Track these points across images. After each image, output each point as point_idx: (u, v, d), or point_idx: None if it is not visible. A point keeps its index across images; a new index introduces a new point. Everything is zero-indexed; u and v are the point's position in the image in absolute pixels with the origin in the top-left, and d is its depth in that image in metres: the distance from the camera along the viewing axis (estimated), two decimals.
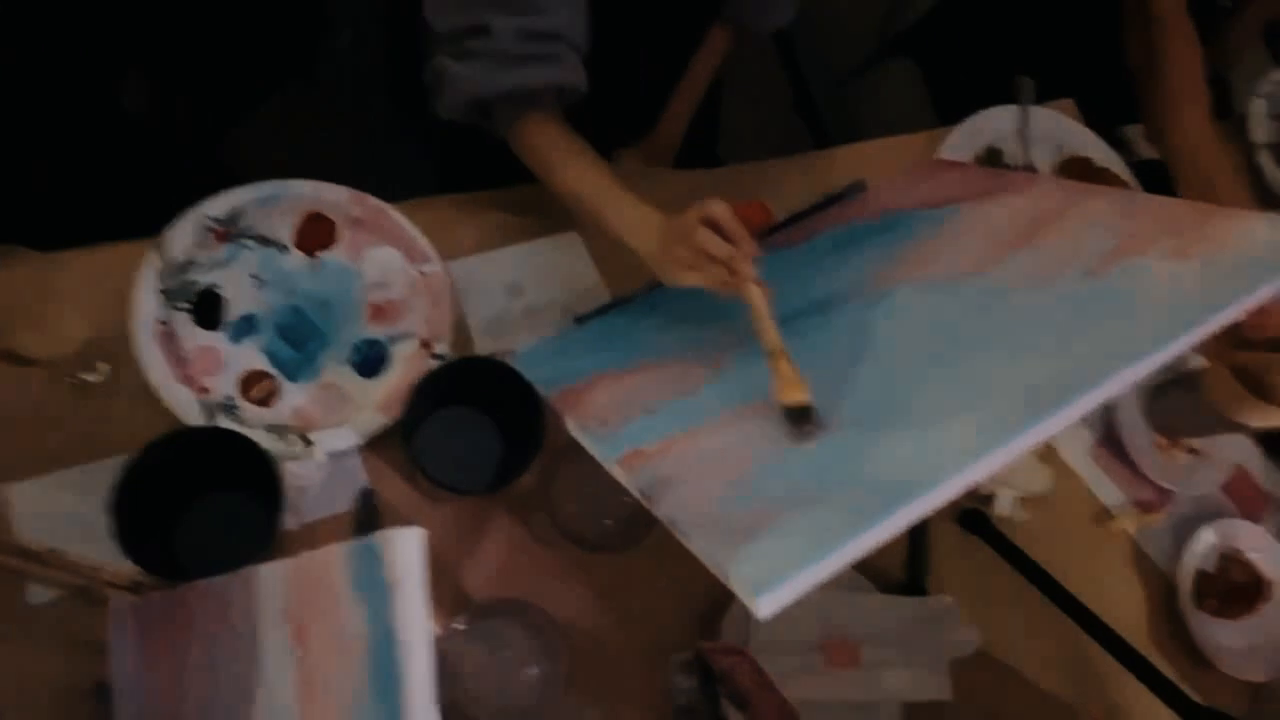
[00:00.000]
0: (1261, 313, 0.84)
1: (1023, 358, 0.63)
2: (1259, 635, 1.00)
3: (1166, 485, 1.01)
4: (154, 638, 0.63)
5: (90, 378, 0.80)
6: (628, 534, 0.78)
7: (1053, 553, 0.95)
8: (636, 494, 0.62)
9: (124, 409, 0.80)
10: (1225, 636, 0.99)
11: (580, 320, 0.89)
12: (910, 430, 0.58)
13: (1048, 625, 0.94)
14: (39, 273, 0.83)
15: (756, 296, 0.70)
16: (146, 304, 0.80)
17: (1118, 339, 0.61)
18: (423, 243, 0.90)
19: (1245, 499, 1.06)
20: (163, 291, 0.82)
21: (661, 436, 0.66)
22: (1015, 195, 0.85)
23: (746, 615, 0.85)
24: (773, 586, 0.50)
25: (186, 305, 0.83)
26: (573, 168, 0.82)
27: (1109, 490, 1.02)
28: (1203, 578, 1.00)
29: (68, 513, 0.76)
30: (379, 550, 0.44)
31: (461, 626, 0.70)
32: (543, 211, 0.97)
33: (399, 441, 0.78)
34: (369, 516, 0.73)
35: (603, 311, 0.89)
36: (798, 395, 0.63)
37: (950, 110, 1.14)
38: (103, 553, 0.75)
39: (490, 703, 0.70)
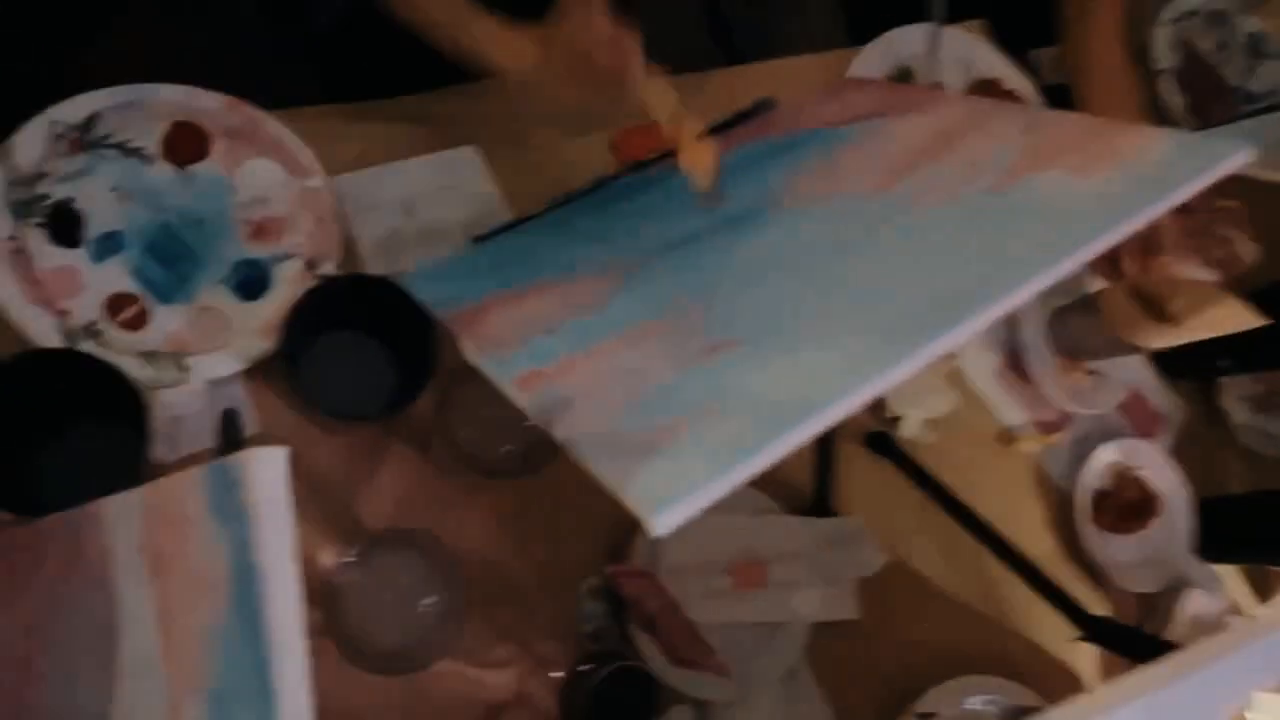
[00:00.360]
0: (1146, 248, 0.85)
1: (924, 273, 0.61)
2: (1149, 549, 1.04)
3: (1067, 407, 1.03)
4: (1, 579, 0.58)
5: None
6: (529, 459, 0.75)
7: (957, 474, 0.97)
8: (534, 416, 0.59)
9: None
10: (1119, 551, 1.02)
11: (478, 240, 0.85)
12: (809, 348, 0.57)
13: (953, 545, 0.95)
14: None
15: (653, 85, 0.70)
16: None
17: (1019, 253, 0.60)
18: (305, 155, 0.83)
19: (1140, 419, 1.09)
20: (10, 205, 0.74)
21: (561, 356, 0.63)
22: (921, 112, 0.83)
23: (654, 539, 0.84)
24: (669, 504, 0.48)
25: (39, 220, 0.75)
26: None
27: (1012, 412, 1.04)
28: (1099, 496, 1.03)
29: None
30: (237, 472, 0.40)
31: (352, 559, 0.66)
32: (437, 123, 0.91)
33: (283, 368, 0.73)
34: (233, 439, 0.68)
35: (502, 231, 0.85)
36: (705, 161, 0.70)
37: (864, 30, 1.11)
38: None
39: (389, 637, 0.67)
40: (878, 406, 0.97)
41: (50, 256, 0.75)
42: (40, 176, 0.76)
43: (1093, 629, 0.86)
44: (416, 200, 0.88)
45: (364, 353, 0.78)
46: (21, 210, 0.75)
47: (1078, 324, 1.03)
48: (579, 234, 0.80)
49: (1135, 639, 0.90)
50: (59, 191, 0.76)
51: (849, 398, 0.52)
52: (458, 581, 0.68)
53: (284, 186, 0.83)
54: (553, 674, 0.80)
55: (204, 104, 0.81)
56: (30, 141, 0.75)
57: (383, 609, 0.68)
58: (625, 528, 0.85)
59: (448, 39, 0.77)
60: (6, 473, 0.63)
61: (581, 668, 0.73)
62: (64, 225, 0.76)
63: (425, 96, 0.90)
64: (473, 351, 0.68)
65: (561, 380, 0.60)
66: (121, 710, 0.48)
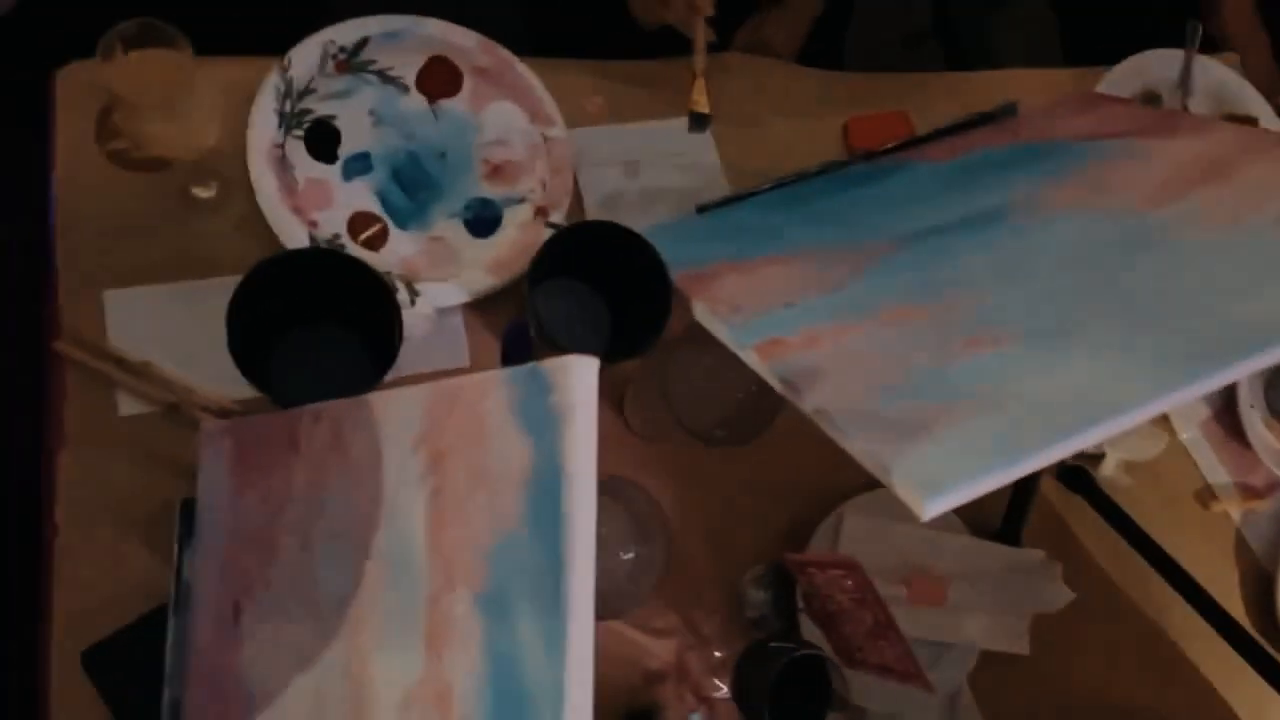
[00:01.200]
0: None
1: (1213, 297, 0.57)
2: None
3: (1278, 472, 0.96)
4: (251, 463, 0.61)
5: (201, 193, 0.77)
6: (737, 429, 0.74)
7: (1148, 524, 0.91)
8: (776, 383, 0.58)
9: (230, 230, 0.76)
10: None
11: (703, 210, 0.85)
12: (1090, 354, 0.54)
13: (1137, 593, 0.90)
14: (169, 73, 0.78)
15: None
16: (264, 124, 0.77)
17: None
18: (549, 104, 0.85)
19: None
20: (280, 114, 0.77)
21: (802, 328, 0.62)
22: (1188, 137, 0.79)
23: (835, 533, 0.82)
24: (942, 490, 0.46)
25: (301, 133, 0.79)
26: None
27: (1215, 468, 0.97)
28: None
29: (162, 328, 0.74)
30: (547, 378, 0.40)
31: None
32: (673, 91, 0.91)
33: (501, 307, 0.75)
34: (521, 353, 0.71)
35: (728, 203, 0.84)
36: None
37: (1080, 52, 1.08)
38: (195, 376, 0.73)
39: None
40: None
41: (308, 168, 0.78)
42: (308, 92, 0.79)
43: None
44: (641, 163, 0.88)
45: (586, 299, 0.78)
46: (289, 121, 0.78)
47: None
48: (813, 214, 0.78)
49: None
50: (322, 109, 0.80)
51: (1135, 411, 0.49)
52: (662, 542, 0.68)
53: (525, 132, 0.84)
54: (716, 653, 0.79)
55: (461, 41, 0.84)
56: (306, 58, 0.79)
57: None
58: (807, 515, 0.83)
59: None
60: (264, 362, 0.66)
61: (757, 651, 0.71)
62: (323, 140, 0.79)
63: (667, 62, 0.91)
64: (704, 314, 0.68)
65: (807, 352, 0.59)
66: (366, 596, 0.49)
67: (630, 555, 0.70)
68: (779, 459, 0.84)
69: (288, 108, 0.78)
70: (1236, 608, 0.95)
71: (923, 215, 0.72)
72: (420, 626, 0.45)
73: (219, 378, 0.70)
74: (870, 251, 0.70)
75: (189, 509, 0.67)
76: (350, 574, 0.50)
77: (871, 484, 0.85)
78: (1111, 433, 0.49)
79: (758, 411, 0.72)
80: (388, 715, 0.46)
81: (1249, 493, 0.98)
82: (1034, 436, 0.48)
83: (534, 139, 0.84)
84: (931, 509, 0.46)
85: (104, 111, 0.76)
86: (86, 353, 0.72)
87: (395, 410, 0.49)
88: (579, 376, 0.40)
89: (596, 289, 0.80)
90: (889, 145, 0.87)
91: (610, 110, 0.88)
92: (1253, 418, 0.96)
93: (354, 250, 0.78)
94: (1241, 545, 0.97)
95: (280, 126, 0.77)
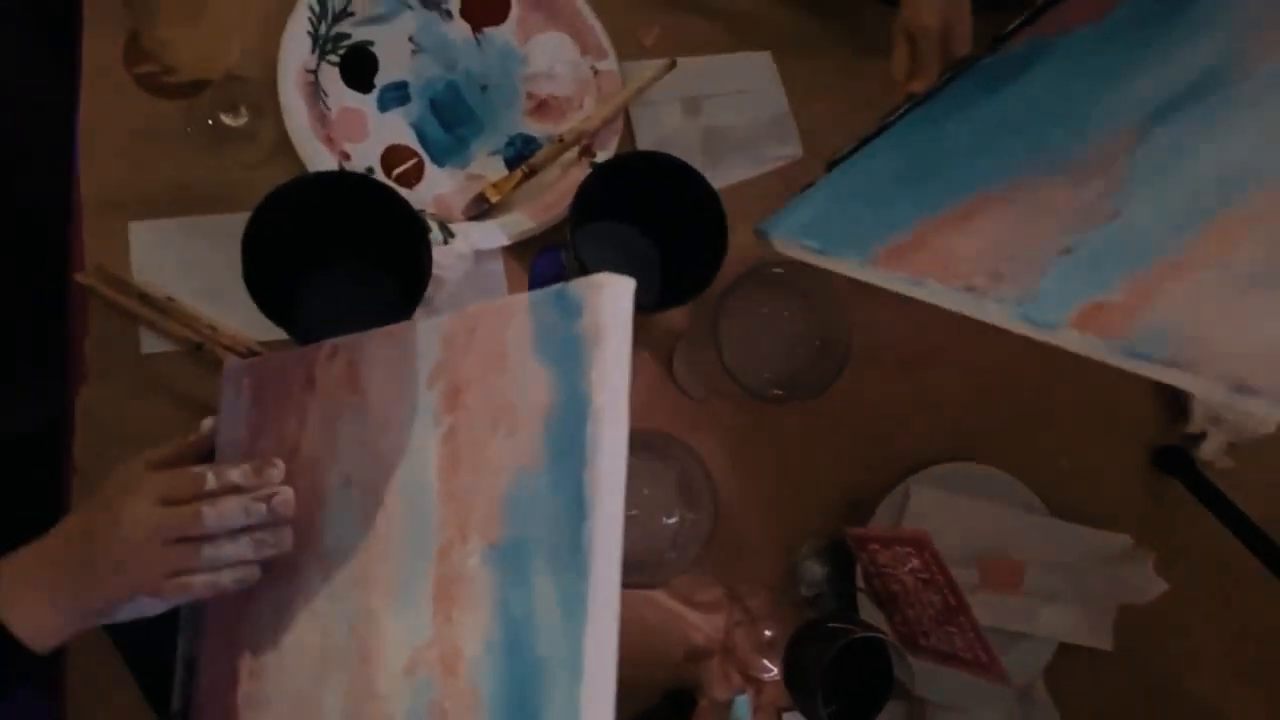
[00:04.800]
0: None
1: None
2: None
3: None
4: (268, 401, 0.56)
5: (230, 121, 0.72)
6: (795, 388, 0.68)
7: (1251, 511, 0.82)
8: (1141, 365, 0.42)
9: (259, 161, 0.72)
10: None
11: (834, 165, 0.71)
12: None
13: (1239, 589, 0.81)
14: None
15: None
16: (296, 48, 0.72)
17: None
18: (601, 35, 0.78)
19: None
20: (313, 37, 0.73)
21: (1119, 281, 0.45)
22: None
23: (900, 508, 0.75)
24: None
25: (336, 59, 0.74)
26: None
27: None
28: None
29: (187, 262, 0.70)
30: (577, 300, 0.34)
31: None
32: (735, 24, 0.84)
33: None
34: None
35: (859, 149, 0.70)
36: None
37: None
38: (221, 315, 0.69)
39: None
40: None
41: (341, 96, 0.74)
42: (345, 14, 0.74)
43: None
44: (703, 100, 0.81)
45: (635, 244, 0.72)
46: (324, 46, 0.73)
47: None
48: (984, 133, 0.64)
49: None
50: (359, 33, 0.75)
51: None
52: (710, 508, 0.62)
53: (574, 66, 0.78)
54: (767, 631, 0.73)
55: None
56: None
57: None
58: (867, 488, 0.76)
59: None
60: (283, 297, 0.62)
61: (811, 631, 0.65)
62: (359, 67, 0.74)
63: None
64: (941, 292, 0.52)
65: (1149, 308, 0.43)
66: (378, 551, 0.44)
67: (674, 520, 0.64)
68: (840, 424, 0.78)
69: (322, 30, 0.73)
70: None
71: (1128, 92, 0.57)
72: (429, 583, 0.39)
73: (245, 317, 0.66)
74: (1109, 155, 0.54)
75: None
76: (361, 526, 0.45)
77: (941, 455, 0.78)
78: None
79: (820, 368, 0.65)
80: (391, 681, 0.41)
81: None
82: None
83: (583, 72, 0.78)
84: None
85: (132, 34, 0.72)
86: (110, 287, 0.68)
87: (413, 342, 0.44)
88: (612, 296, 0.34)
89: (644, 232, 0.73)
90: (1015, 24, 0.71)
91: (669, 42, 0.81)
92: None
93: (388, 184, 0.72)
94: None
95: (314, 51, 0.72)
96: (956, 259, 0.52)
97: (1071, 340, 0.44)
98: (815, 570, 0.76)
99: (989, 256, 0.51)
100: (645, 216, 0.72)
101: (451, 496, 0.39)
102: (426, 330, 0.43)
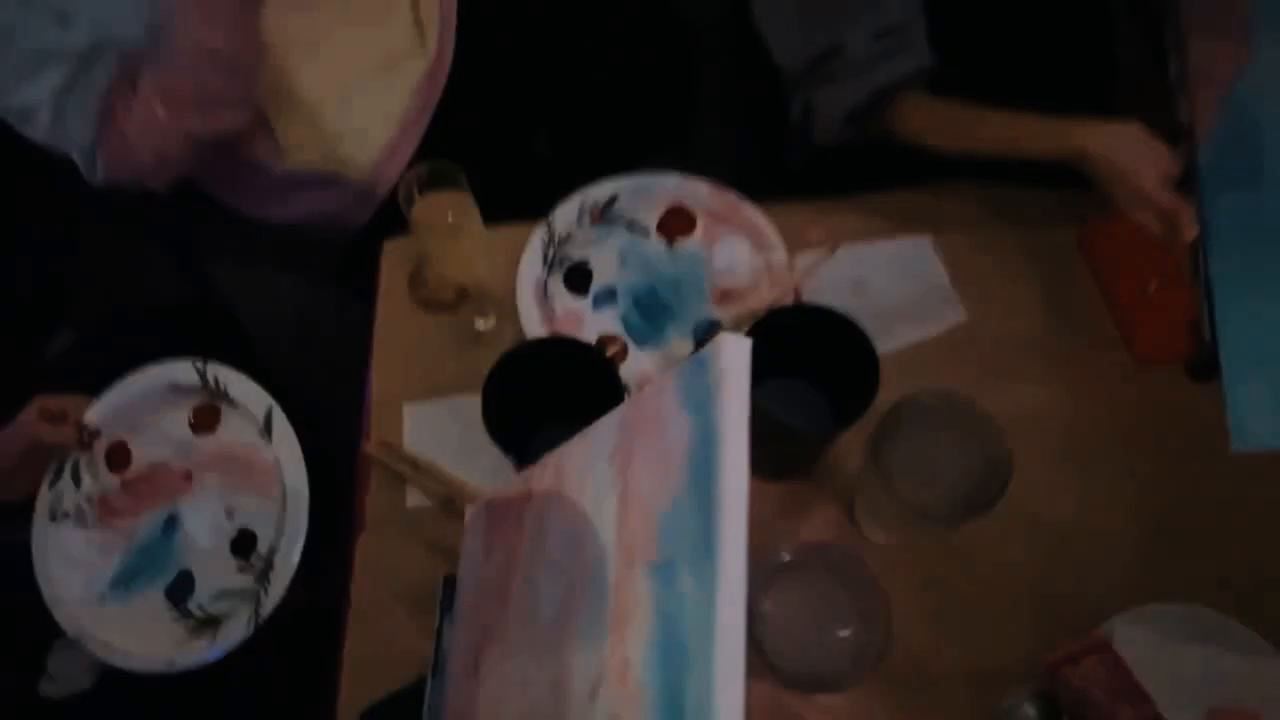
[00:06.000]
0: None
1: None
2: None
3: None
4: (497, 524, 0.69)
5: (481, 326, 0.93)
6: (971, 504, 0.71)
7: None
8: None
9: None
10: None
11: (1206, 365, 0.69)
12: None
13: None
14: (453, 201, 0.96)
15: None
16: (532, 268, 0.92)
17: None
18: (771, 233, 0.93)
19: None
20: (544, 258, 0.93)
21: None
22: None
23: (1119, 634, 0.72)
24: None
25: (561, 273, 0.94)
26: (979, 121, 0.86)
27: None
28: None
29: (447, 435, 0.88)
30: (707, 358, 0.45)
31: (786, 557, 0.67)
32: (894, 217, 0.96)
33: None
34: None
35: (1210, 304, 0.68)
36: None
37: None
38: (470, 475, 0.85)
39: (794, 653, 0.66)
40: None
41: (564, 300, 0.92)
42: (568, 239, 0.95)
43: None
44: (867, 279, 0.93)
45: (802, 392, 0.81)
46: (552, 264, 0.93)
47: None
48: None
49: None
50: (577, 254, 0.95)
51: None
52: (877, 618, 0.65)
53: (750, 260, 0.93)
54: None
55: (695, 190, 0.96)
56: (567, 213, 0.95)
57: (798, 624, 0.67)
58: (1069, 619, 0.74)
59: (1010, 150, 0.85)
60: (516, 445, 0.76)
61: None
62: (578, 278, 0.94)
63: (886, 194, 0.97)
64: None
65: None
66: (572, 608, 0.53)
67: (848, 634, 0.67)
68: (1031, 563, 0.78)
69: (550, 253, 0.93)
70: None
71: None
72: (609, 613, 0.48)
73: (490, 477, 0.82)
74: None
75: (450, 584, 0.77)
76: (560, 593, 0.55)
77: (1144, 595, 0.75)
78: None
79: (987, 485, 0.69)
80: (581, 711, 0.48)
81: None
82: None
83: (758, 265, 0.93)
84: None
85: (414, 271, 0.96)
86: (387, 454, 0.87)
87: (601, 433, 0.55)
88: (732, 349, 0.44)
89: (811, 383, 0.82)
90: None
91: (831, 235, 0.95)
92: None
93: None
94: None
95: (544, 268, 0.93)
96: None
97: None
98: (1026, 712, 0.73)
99: None
100: (809, 367, 0.81)
101: (622, 539, 0.48)
102: (609, 421, 0.55)
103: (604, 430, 0.55)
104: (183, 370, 0.92)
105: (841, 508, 0.83)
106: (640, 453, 0.50)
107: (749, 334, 0.75)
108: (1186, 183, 0.76)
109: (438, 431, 0.88)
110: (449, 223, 0.78)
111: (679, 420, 0.46)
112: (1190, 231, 0.73)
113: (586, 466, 0.56)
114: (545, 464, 0.63)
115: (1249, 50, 0.68)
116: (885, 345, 0.79)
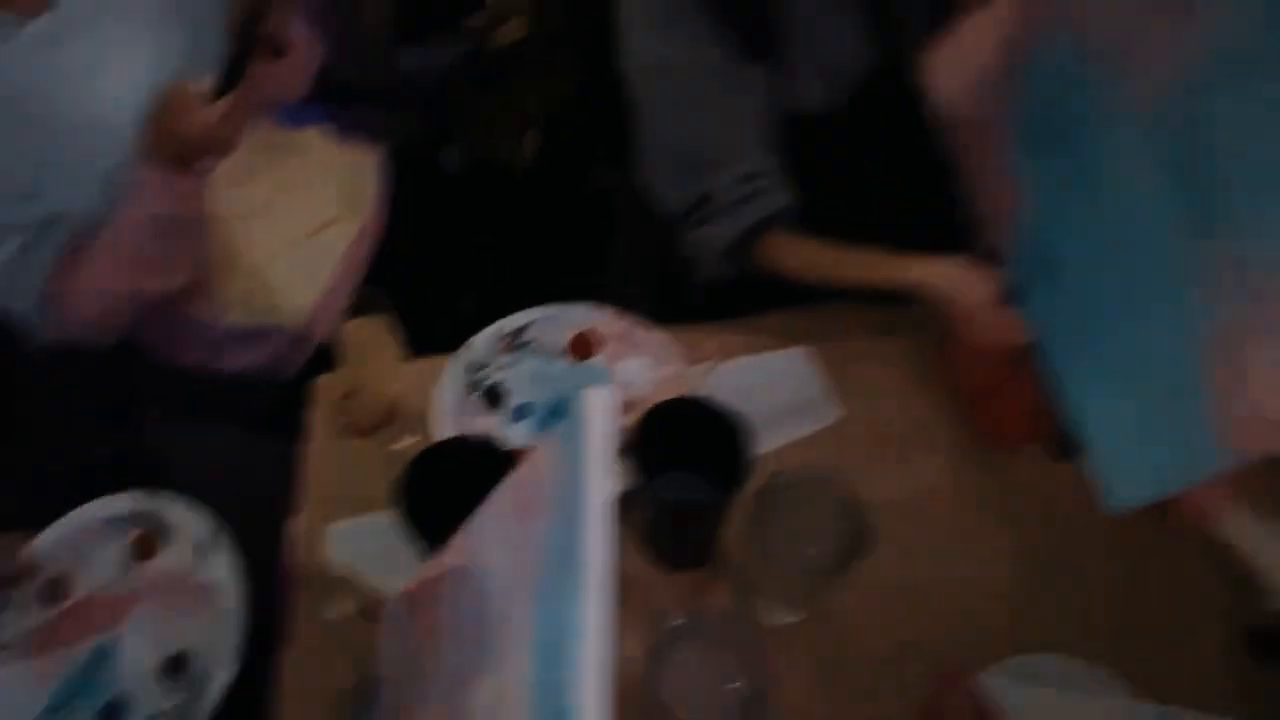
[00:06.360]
0: None
1: None
2: None
3: None
4: (414, 613, 0.74)
5: (398, 447, 1.00)
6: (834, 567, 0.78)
7: None
8: None
9: None
10: None
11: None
12: None
13: None
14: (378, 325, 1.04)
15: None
16: (450, 393, 1.01)
17: None
18: (668, 352, 1.05)
19: None
20: (464, 381, 1.02)
21: None
22: None
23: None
24: None
25: (479, 395, 1.03)
26: (836, 259, 0.99)
27: None
28: None
29: (369, 549, 0.93)
30: (579, 405, 0.53)
31: (679, 621, 0.74)
32: (774, 333, 1.09)
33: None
34: None
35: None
36: None
37: None
38: (390, 586, 0.89)
39: (696, 712, 0.71)
40: (1257, 595, 0.84)
41: (481, 419, 1.01)
42: (484, 366, 1.04)
43: None
44: (752, 390, 1.03)
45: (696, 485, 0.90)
46: (470, 387, 1.03)
47: None
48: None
49: None
50: (493, 376, 1.04)
51: None
52: (762, 671, 0.71)
53: (649, 372, 1.04)
54: None
55: (601, 317, 1.08)
56: (484, 343, 1.05)
57: (695, 680, 0.72)
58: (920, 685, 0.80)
59: (869, 282, 0.97)
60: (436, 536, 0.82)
61: None
62: (494, 398, 1.02)
63: (771, 315, 1.10)
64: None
65: None
66: (474, 657, 0.59)
67: (736, 685, 0.73)
68: (902, 625, 0.85)
69: (469, 379, 1.03)
70: None
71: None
72: (498, 640, 0.54)
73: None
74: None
75: (360, 687, 0.80)
76: (465, 653, 0.60)
77: (1008, 648, 0.82)
78: None
79: (851, 551, 0.77)
80: None
81: None
82: None
83: (655, 376, 1.03)
84: None
85: (344, 395, 1.04)
86: (310, 568, 0.92)
87: (498, 495, 0.62)
88: (596, 393, 0.53)
89: (702, 477, 0.90)
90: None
91: (721, 353, 1.06)
92: None
93: None
94: None
95: (462, 391, 1.02)
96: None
97: None
98: None
99: None
100: (699, 462, 0.89)
101: (515, 580, 0.55)
102: (504, 483, 0.62)
103: (500, 492, 0.63)
104: (121, 502, 0.97)
105: (734, 592, 0.89)
106: (528, 498, 0.57)
107: (639, 421, 0.85)
108: (1011, 297, 0.89)
109: (360, 548, 0.94)
110: (372, 337, 0.88)
111: (555, 460, 0.54)
112: (1020, 335, 0.85)
113: (486, 528, 0.63)
114: (454, 541, 0.70)
115: (1016, 193, 0.83)
116: (768, 443, 0.91)
